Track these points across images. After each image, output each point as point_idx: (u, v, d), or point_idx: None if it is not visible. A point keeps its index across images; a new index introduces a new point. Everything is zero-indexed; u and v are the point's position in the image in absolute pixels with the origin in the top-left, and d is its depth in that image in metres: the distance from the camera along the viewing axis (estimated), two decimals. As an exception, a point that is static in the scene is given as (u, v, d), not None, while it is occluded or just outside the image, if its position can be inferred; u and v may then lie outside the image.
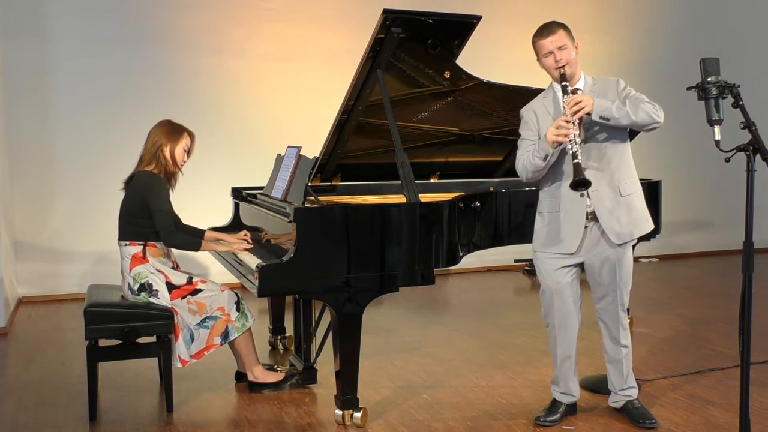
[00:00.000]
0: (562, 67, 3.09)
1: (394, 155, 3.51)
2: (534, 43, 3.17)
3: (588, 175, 3.02)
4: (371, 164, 4.32)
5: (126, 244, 3.57)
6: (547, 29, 3.14)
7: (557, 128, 3.00)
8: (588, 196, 3.12)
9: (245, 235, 3.76)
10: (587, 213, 3.15)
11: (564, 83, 3.07)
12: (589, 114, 3.02)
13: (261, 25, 6.58)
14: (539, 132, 3.21)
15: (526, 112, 3.29)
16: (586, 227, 3.16)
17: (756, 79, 7.90)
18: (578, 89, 3.17)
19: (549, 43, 3.11)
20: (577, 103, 2.99)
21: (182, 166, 3.69)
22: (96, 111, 6.15)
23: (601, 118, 3.03)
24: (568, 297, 3.25)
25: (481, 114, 4.34)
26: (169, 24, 6.32)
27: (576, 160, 2.96)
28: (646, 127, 3.10)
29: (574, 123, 3.00)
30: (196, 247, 3.65)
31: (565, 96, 3.05)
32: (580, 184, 2.95)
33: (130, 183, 3.63)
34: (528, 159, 3.17)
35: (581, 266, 3.27)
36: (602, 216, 3.13)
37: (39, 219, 6.07)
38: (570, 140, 2.98)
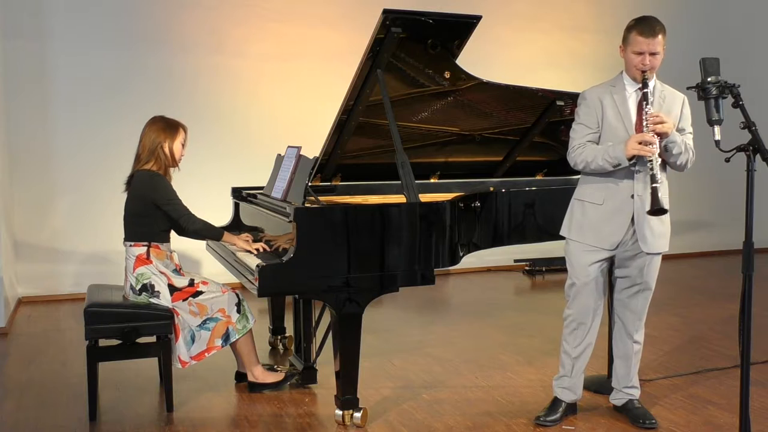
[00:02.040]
0: (646, 72, 3.05)
1: (394, 155, 3.51)
2: (629, 32, 3.09)
3: (637, 178, 3.07)
4: (371, 164, 4.32)
5: (131, 245, 3.58)
6: (650, 29, 3.04)
7: (641, 143, 2.97)
8: (635, 199, 3.12)
9: (263, 246, 3.72)
10: (631, 214, 3.15)
11: (645, 90, 3.03)
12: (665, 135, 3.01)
13: (261, 24, 6.57)
14: (600, 120, 3.16)
15: (592, 97, 3.20)
16: (630, 224, 3.15)
17: (756, 79, 7.89)
18: (648, 91, 3.10)
19: (645, 44, 3.03)
20: (660, 122, 2.97)
21: (180, 160, 3.70)
22: (96, 111, 6.15)
23: (667, 144, 3.04)
24: (593, 291, 3.25)
25: (481, 114, 4.33)
26: (168, 23, 6.32)
27: (655, 185, 2.94)
28: (672, 167, 3.17)
29: (657, 142, 2.98)
30: (219, 235, 3.67)
31: (647, 106, 3.01)
32: (659, 212, 2.98)
33: (131, 183, 3.64)
34: (593, 157, 3.11)
35: (611, 260, 3.26)
36: (638, 220, 3.13)
37: (39, 219, 6.07)
38: (651, 158, 2.96)
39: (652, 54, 3.04)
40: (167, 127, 3.65)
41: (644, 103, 3.02)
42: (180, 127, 3.69)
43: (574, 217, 3.28)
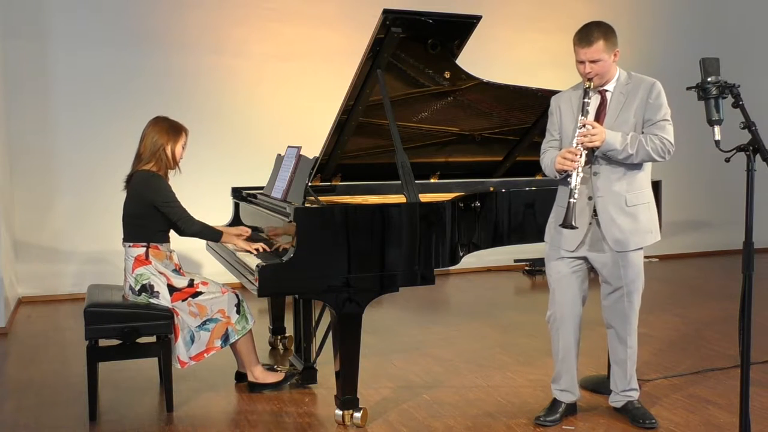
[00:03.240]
0: (590, 79, 3.07)
1: (394, 155, 3.51)
2: (573, 42, 3.12)
3: (597, 180, 3.08)
4: (371, 164, 4.32)
5: (130, 245, 3.57)
6: (586, 39, 3.05)
7: (563, 158, 3.04)
8: (594, 201, 3.13)
9: (263, 247, 3.70)
10: (590, 216, 3.15)
11: (585, 100, 3.05)
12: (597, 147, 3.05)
13: (261, 24, 6.58)
14: (560, 127, 3.23)
15: (554, 103, 3.29)
16: (590, 224, 3.16)
17: (756, 79, 7.89)
18: (607, 91, 3.13)
19: (583, 53, 3.06)
20: (588, 135, 3.00)
21: (179, 162, 3.70)
22: (96, 111, 6.15)
23: (605, 154, 3.07)
24: (567, 289, 3.25)
25: (481, 114, 4.34)
26: (169, 23, 6.32)
27: (572, 199, 3.00)
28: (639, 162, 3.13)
29: (581, 155, 3.02)
30: (218, 237, 3.66)
31: (582, 117, 3.04)
32: (568, 227, 3.02)
33: (131, 183, 3.64)
34: (545, 165, 3.25)
35: (586, 261, 3.26)
36: (603, 222, 3.13)
37: (39, 219, 6.07)
38: (572, 173, 3.01)
39: (593, 62, 3.05)
40: (171, 129, 3.64)
41: (580, 115, 3.06)
42: (183, 130, 3.69)
43: (549, 221, 3.35)
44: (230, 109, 6.51)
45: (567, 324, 3.29)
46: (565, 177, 3.14)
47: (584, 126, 3.02)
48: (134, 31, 6.22)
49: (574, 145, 3.04)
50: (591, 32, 3.06)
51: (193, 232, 3.61)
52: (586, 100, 3.06)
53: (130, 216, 3.59)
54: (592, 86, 3.08)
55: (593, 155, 3.10)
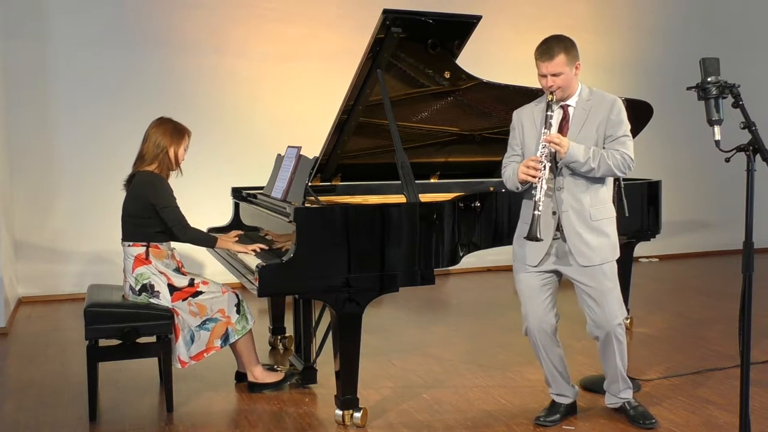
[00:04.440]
0: (553, 92, 3.07)
1: (394, 155, 3.51)
2: (535, 57, 3.11)
3: (561, 194, 3.10)
4: (371, 164, 4.32)
5: (129, 245, 3.57)
6: (547, 53, 3.05)
7: (527, 167, 3.03)
8: (559, 215, 3.13)
9: (260, 247, 3.69)
10: (554, 230, 3.15)
11: (548, 113, 3.05)
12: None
13: (261, 24, 6.58)
14: (522, 142, 3.23)
15: (516, 118, 3.29)
16: (555, 239, 3.15)
17: (756, 79, 7.90)
18: (569, 106, 3.14)
19: (544, 67, 3.07)
20: (552, 142, 3.01)
21: (181, 164, 3.70)
22: (96, 111, 6.15)
23: (567, 165, 3.07)
24: (539, 302, 3.24)
25: (481, 114, 4.34)
26: (169, 24, 6.33)
27: (537, 212, 3.00)
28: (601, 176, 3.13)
29: (545, 166, 3.01)
30: (212, 243, 3.66)
31: (545, 130, 3.04)
32: (533, 239, 3.02)
33: (131, 183, 3.63)
34: (506, 178, 3.24)
35: (557, 273, 3.25)
36: (570, 236, 3.12)
37: (39, 219, 6.07)
38: (536, 183, 3.01)
39: (555, 75, 3.05)
40: (174, 131, 3.64)
41: (543, 128, 3.05)
42: (186, 133, 3.68)
43: (516, 235, 3.33)
44: (231, 109, 6.51)
45: (543, 336, 3.27)
46: (528, 189, 3.14)
47: (549, 141, 3.01)
48: (134, 31, 6.23)
49: (538, 154, 3.03)
50: (552, 47, 3.06)
51: (187, 239, 3.60)
52: (549, 113, 3.06)
53: (130, 216, 3.58)
54: (554, 99, 3.08)
55: (556, 167, 3.10)
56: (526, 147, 3.20)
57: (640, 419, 3.28)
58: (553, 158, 3.08)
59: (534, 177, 3.01)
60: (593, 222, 3.12)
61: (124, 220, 3.61)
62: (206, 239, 3.68)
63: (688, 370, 4.07)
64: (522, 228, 3.23)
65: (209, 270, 5.99)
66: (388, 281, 3.29)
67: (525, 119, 3.23)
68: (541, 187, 3.01)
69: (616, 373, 3.28)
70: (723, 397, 3.65)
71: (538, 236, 3.01)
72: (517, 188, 3.18)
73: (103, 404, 3.61)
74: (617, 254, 3.23)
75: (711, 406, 3.54)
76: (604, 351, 3.28)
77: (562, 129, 3.15)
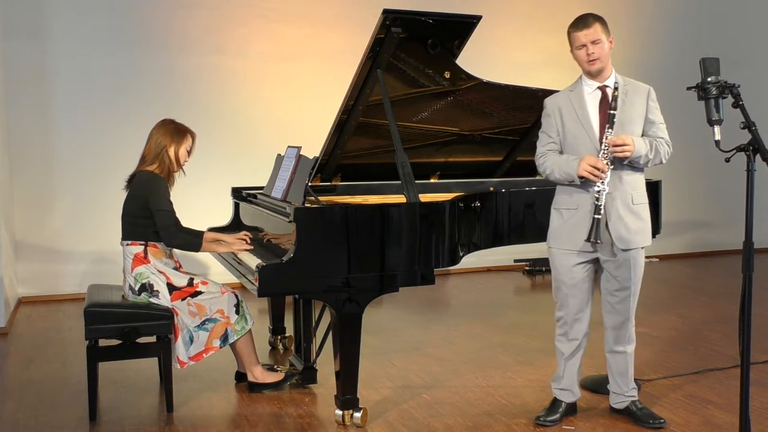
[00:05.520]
0: (594, 61, 3.08)
1: (394, 155, 3.51)
2: (569, 34, 3.15)
3: (607, 178, 3.08)
4: (371, 164, 4.32)
5: (128, 244, 3.58)
6: (583, 22, 3.10)
7: (593, 167, 3.02)
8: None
9: (245, 234, 3.75)
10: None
11: (612, 111, 3.05)
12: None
13: (261, 25, 6.58)
14: (559, 128, 3.22)
15: (551, 104, 3.27)
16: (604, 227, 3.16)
17: (756, 79, 7.89)
18: (607, 87, 3.13)
19: (583, 36, 3.08)
20: (621, 146, 3.01)
21: (183, 165, 3.70)
22: (96, 111, 6.15)
23: (630, 161, 3.09)
24: (582, 293, 3.26)
25: (481, 114, 4.34)
26: (169, 24, 6.32)
27: (598, 216, 3.02)
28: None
29: (609, 168, 3.03)
30: (197, 248, 3.64)
31: (609, 129, 3.03)
32: (593, 242, 3.04)
33: (132, 182, 3.64)
34: (551, 169, 3.20)
35: (595, 263, 3.27)
36: (611, 219, 3.13)
37: (39, 219, 6.07)
38: (599, 188, 3.03)
39: (594, 42, 3.08)
40: (175, 131, 3.65)
41: (607, 126, 3.05)
42: (188, 134, 3.69)
43: (553, 226, 3.31)
44: (231, 109, 6.51)
45: (579, 327, 3.30)
46: (570, 183, 3.14)
47: (614, 145, 3.01)
48: (134, 31, 6.22)
49: (601, 156, 3.04)
50: (586, 17, 3.12)
51: (174, 245, 3.59)
52: (612, 111, 3.05)
53: (130, 215, 3.59)
54: (617, 95, 3.06)
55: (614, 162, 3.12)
56: (568, 131, 3.18)
57: (649, 419, 3.27)
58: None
59: (600, 178, 3.03)
60: (634, 206, 3.16)
61: (124, 219, 3.62)
62: (191, 244, 3.60)
63: (688, 370, 4.07)
64: (565, 217, 3.22)
65: (210, 270, 5.99)
66: (388, 281, 3.29)
67: (563, 105, 3.22)
68: (603, 190, 3.04)
69: (627, 365, 3.30)
70: (723, 397, 3.65)
71: (600, 240, 3.04)
72: (571, 181, 3.14)
73: (103, 404, 3.61)
74: (650, 240, 3.26)
75: (711, 406, 3.54)
76: (617, 340, 3.30)
77: (602, 110, 3.14)
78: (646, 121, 3.16)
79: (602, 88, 3.15)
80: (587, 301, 3.29)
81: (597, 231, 3.03)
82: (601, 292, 3.33)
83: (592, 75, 3.14)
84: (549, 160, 3.22)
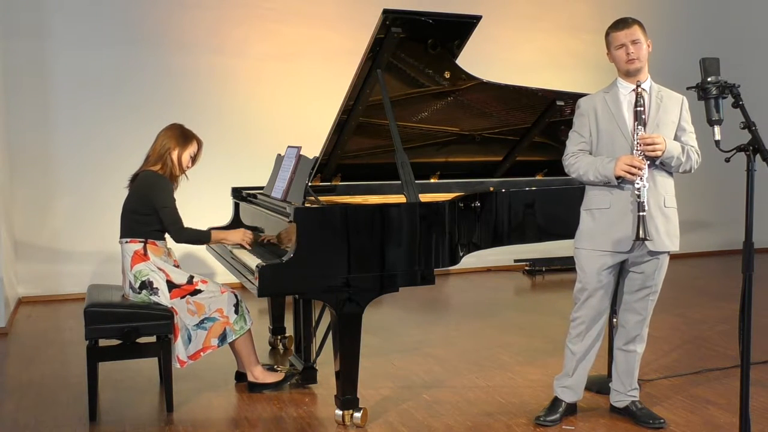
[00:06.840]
0: (633, 60, 3.09)
1: (394, 155, 3.51)
2: (608, 35, 3.17)
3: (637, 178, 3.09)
4: (371, 164, 4.32)
5: (127, 241, 3.58)
6: (623, 22, 3.14)
7: (631, 165, 3.02)
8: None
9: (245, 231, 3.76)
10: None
11: (638, 108, 3.05)
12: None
13: (261, 24, 6.58)
14: (593, 129, 3.21)
15: (586, 105, 3.26)
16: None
17: (756, 79, 7.89)
18: (644, 90, 3.13)
19: (623, 35, 3.11)
20: (651, 144, 3.02)
21: (186, 170, 3.71)
22: (96, 110, 6.15)
23: (663, 161, 3.10)
24: (604, 296, 3.26)
25: (481, 114, 4.33)
26: (168, 23, 6.32)
27: (643, 213, 3.01)
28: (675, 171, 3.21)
29: (646, 164, 3.04)
30: (207, 239, 3.67)
31: (639, 127, 3.05)
32: (642, 240, 3.03)
33: (134, 181, 3.65)
34: (585, 170, 3.18)
35: (620, 265, 3.27)
36: (644, 218, 3.13)
37: (39, 219, 6.07)
38: (638, 184, 3.03)
39: (634, 42, 3.10)
40: (181, 136, 3.68)
41: (636, 123, 3.05)
42: (194, 140, 3.71)
43: (584, 227, 3.29)
44: (230, 109, 6.51)
45: (596, 327, 3.30)
46: (605, 184, 3.13)
47: (644, 143, 3.02)
48: (134, 31, 6.22)
49: (635, 153, 3.04)
50: (626, 18, 3.16)
51: (183, 240, 3.61)
52: (639, 108, 3.06)
53: (130, 212, 3.60)
54: (634, 68, 3.10)
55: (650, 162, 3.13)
56: (603, 131, 3.18)
57: (649, 419, 3.27)
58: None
59: (638, 175, 3.02)
60: (666, 209, 3.17)
61: (124, 216, 3.62)
62: (201, 237, 3.68)
63: (688, 370, 4.07)
64: (587, 229, 3.24)
65: (210, 270, 5.99)
66: (388, 281, 3.29)
67: (599, 105, 3.21)
68: (644, 186, 3.03)
69: (634, 364, 3.31)
70: (723, 397, 3.65)
71: (648, 237, 3.04)
72: (607, 182, 3.12)
73: (103, 404, 3.61)
74: (677, 247, 3.28)
75: (711, 406, 3.54)
76: (629, 339, 3.31)
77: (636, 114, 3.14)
78: (678, 128, 3.17)
79: (638, 92, 3.15)
80: (606, 304, 3.29)
81: (645, 228, 3.01)
82: (621, 291, 3.34)
83: (630, 75, 3.14)
84: (582, 162, 3.20)
